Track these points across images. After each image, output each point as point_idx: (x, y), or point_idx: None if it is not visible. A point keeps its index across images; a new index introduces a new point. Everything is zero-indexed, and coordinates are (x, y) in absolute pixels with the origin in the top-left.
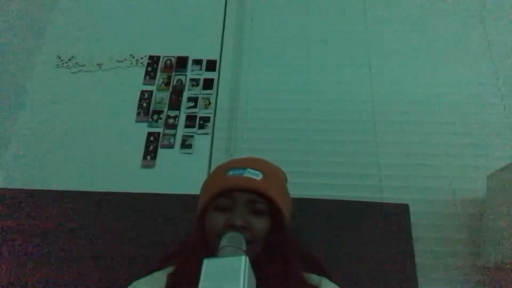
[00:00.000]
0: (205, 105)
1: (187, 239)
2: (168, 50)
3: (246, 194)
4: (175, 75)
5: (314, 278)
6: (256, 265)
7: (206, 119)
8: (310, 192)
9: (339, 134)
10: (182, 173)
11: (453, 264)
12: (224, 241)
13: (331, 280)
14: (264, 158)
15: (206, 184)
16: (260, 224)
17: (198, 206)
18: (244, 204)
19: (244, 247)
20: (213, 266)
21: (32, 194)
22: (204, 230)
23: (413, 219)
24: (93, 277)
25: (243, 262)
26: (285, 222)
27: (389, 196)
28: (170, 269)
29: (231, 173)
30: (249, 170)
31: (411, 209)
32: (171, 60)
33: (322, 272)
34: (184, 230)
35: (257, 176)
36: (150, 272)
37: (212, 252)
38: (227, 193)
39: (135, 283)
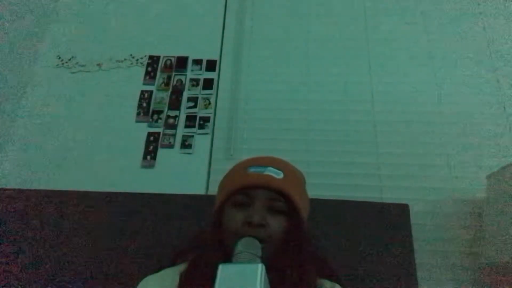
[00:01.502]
0: (205, 105)
1: (200, 235)
2: (168, 50)
3: (266, 192)
4: (175, 75)
5: (326, 284)
6: (270, 265)
7: (206, 119)
8: (310, 192)
9: (339, 134)
10: (182, 173)
11: (453, 264)
12: (239, 247)
13: (343, 287)
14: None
15: (225, 180)
16: (278, 223)
17: (215, 201)
18: (263, 202)
19: (259, 253)
20: (228, 272)
21: (32, 194)
22: (221, 226)
23: (413, 219)
24: (93, 276)
25: (260, 270)
26: (302, 223)
27: (389, 196)
28: (182, 266)
29: (252, 170)
30: (270, 168)
31: (411, 209)
32: (171, 60)
33: (335, 278)
34: (184, 230)
35: (278, 175)
36: (161, 268)
37: (228, 249)
38: (247, 190)
39: (147, 279)
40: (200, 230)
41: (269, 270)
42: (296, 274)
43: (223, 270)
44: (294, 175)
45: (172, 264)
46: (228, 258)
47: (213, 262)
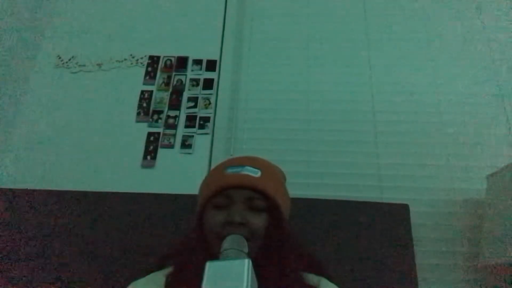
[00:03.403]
0: (205, 105)
1: (185, 238)
2: (168, 50)
3: (244, 191)
4: (175, 75)
5: (312, 278)
6: (254, 263)
7: (206, 119)
8: (310, 192)
9: (339, 134)
10: (182, 173)
11: (453, 264)
12: (226, 244)
13: (330, 280)
14: (262, 157)
15: (204, 183)
16: (259, 220)
17: (197, 205)
18: (242, 201)
19: (246, 250)
20: (216, 269)
21: (32, 194)
22: (203, 229)
23: (413, 219)
24: (92, 276)
25: (246, 265)
26: (283, 219)
27: (389, 196)
28: (168, 270)
29: (229, 171)
30: (247, 167)
31: (411, 209)
32: (171, 60)
33: (321, 272)
34: (184, 230)
35: (256, 173)
36: (148, 272)
37: (212, 251)
38: (226, 191)
39: (134, 283)
40: (186, 234)
41: (254, 266)
42: (279, 268)
43: (210, 267)
44: (272, 173)
45: (159, 268)
46: (212, 258)
47: (198, 262)
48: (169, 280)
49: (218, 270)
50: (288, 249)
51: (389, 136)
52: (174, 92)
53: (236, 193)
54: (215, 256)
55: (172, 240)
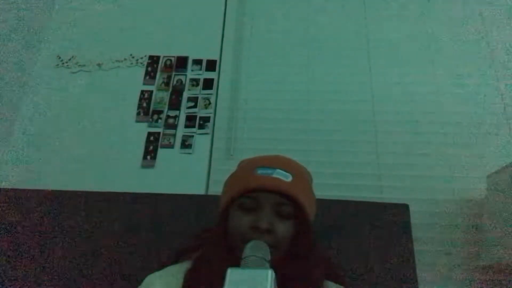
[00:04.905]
0: (205, 105)
1: (206, 233)
2: (168, 50)
3: (273, 196)
4: (175, 75)
5: (332, 286)
6: (277, 269)
7: (206, 119)
8: None
9: (339, 134)
10: (182, 173)
11: (453, 264)
12: (248, 250)
13: None
14: (291, 158)
15: (232, 180)
16: (285, 228)
17: (220, 200)
18: (270, 206)
19: (268, 257)
20: (237, 277)
21: (32, 194)
22: (226, 227)
23: (413, 219)
24: (92, 276)
25: (269, 276)
26: (310, 228)
27: (389, 196)
28: (186, 265)
29: (260, 172)
30: (279, 170)
31: (411, 209)
32: (171, 60)
33: (340, 281)
34: (184, 230)
35: (287, 178)
36: (163, 265)
37: (233, 252)
38: (254, 193)
39: (151, 276)
40: (205, 228)
41: (276, 274)
42: (303, 277)
43: (231, 275)
44: (302, 177)
45: (175, 261)
46: (233, 258)
47: (218, 263)
48: (188, 277)
49: (240, 279)
50: (312, 257)
51: (389, 136)
52: (174, 92)
53: (265, 197)
54: (236, 256)
55: (192, 234)
